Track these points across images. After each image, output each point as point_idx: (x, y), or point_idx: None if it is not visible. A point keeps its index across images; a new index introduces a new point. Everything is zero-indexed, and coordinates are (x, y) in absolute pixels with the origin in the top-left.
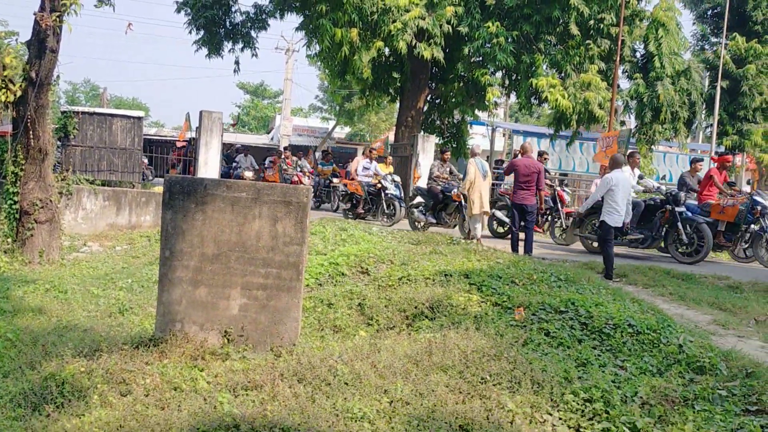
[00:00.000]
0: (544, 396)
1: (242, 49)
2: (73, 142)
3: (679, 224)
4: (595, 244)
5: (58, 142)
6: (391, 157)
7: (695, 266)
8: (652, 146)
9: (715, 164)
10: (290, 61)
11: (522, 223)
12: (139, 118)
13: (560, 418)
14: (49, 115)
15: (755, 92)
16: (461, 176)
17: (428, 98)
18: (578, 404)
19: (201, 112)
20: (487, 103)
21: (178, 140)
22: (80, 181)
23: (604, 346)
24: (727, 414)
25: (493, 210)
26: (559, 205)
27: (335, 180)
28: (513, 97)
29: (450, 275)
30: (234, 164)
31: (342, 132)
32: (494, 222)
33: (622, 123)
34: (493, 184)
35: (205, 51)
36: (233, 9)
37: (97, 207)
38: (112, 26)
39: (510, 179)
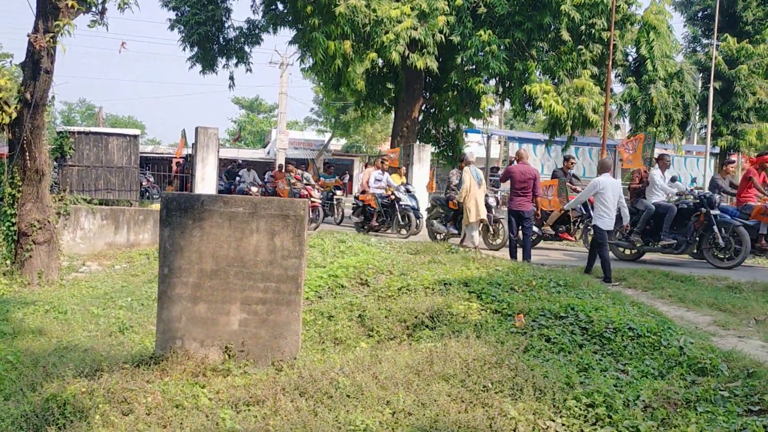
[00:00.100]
0: (547, 402)
1: (236, 65)
2: (70, 162)
3: (715, 227)
4: (624, 251)
5: (55, 163)
6: (404, 168)
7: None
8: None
9: (754, 165)
10: (284, 74)
11: (520, 230)
12: (135, 137)
13: (563, 424)
14: (45, 136)
15: (748, 92)
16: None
17: (423, 108)
18: (581, 409)
19: (197, 129)
20: (481, 111)
21: (175, 157)
22: (78, 200)
23: (605, 350)
24: (729, 415)
25: None
26: (591, 211)
27: (338, 192)
28: (507, 105)
29: (449, 284)
30: (237, 179)
31: (338, 144)
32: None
33: (617, 127)
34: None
35: (199, 67)
36: (226, 25)
37: (95, 226)
38: (106, 45)
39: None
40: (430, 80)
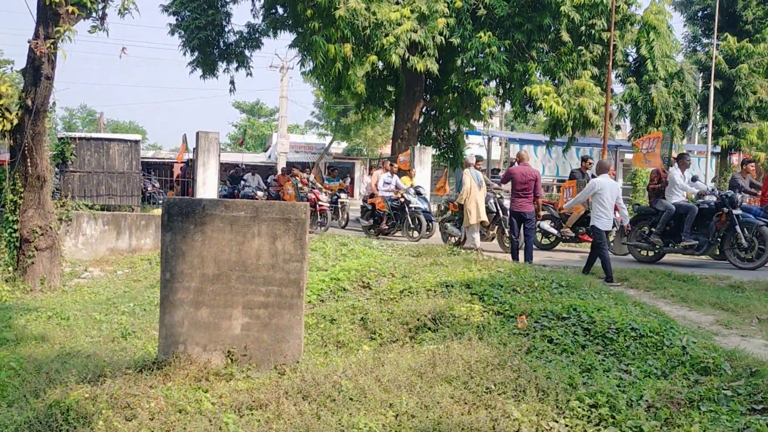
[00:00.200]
0: (550, 403)
1: (237, 69)
2: (71, 167)
3: (737, 227)
4: (644, 252)
5: (56, 169)
6: (415, 170)
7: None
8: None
9: None
10: (285, 78)
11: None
12: (136, 142)
13: (566, 425)
14: (46, 142)
15: (749, 91)
16: (497, 185)
17: (423, 110)
18: (584, 410)
19: (198, 133)
20: (482, 113)
21: (176, 161)
22: (79, 206)
23: (608, 350)
24: (733, 414)
25: (539, 222)
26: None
27: (343, 195)
28: (508, 106)
29: (451, 286)
30: (242, 183)
31: (339, 147)
32: (539, 233)
33: (618, 127)
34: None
35: (199, 72)
36: (226, 29)
37: (97, 232)
38: (107, 51)
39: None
40: (431, 82)
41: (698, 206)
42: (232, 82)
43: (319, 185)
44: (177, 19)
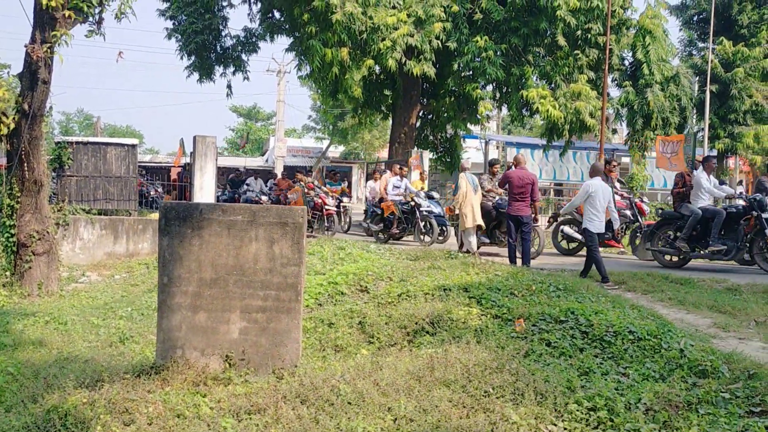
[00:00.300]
0: (548, 407)
1: (234, 73)
2: (68, 172)
3: (767, 231)
4: (669, 258)
5: (53, 173)
6: (426, 173)
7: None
8: (645, 152)
9: None
10: (282, 82)
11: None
12: (134, 146)
13: (565, 428)
14: (43, 147)
15: (744, 95)
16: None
17: (420, 114)
18: (582, 413)
19: (195, 137)
20: (479, 117)
21: (173, 166)
22: (76, 211)
23: (606, 353)
24: (731, 416)
25: (562, 227)
26: (639, 217)
27: (345, 199)
28: (504, 110)
29: (449, 289)
30: (245, 187)
31: (336, 151)
32: (562, 238)
33: (614, 131)
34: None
35: (196, 76)
36: (223, 33)
37: (94, 236)
38: (104, 55)
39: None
40: (428, 86)
41: (725, 210)
42: (229, 86)
43: (326, 189)
44: (174, 24)
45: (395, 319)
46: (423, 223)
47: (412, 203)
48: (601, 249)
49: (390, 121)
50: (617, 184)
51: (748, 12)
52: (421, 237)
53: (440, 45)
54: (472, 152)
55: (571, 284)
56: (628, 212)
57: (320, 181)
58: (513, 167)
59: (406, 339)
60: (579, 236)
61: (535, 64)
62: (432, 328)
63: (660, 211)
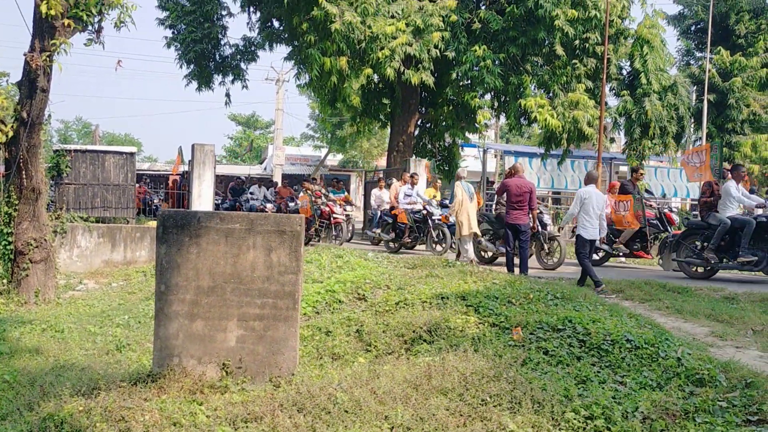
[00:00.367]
0: (545, 415)
1: (232, 82)
2: (67, 180)
3: None
4: (696, 269)
5: (52, 181)
6: (440, 181)
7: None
8: (643, 161)
9: None
10: (281, 91)
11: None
12: (132, 154)
13: None
14: (41, 155)
15: (742, 104)
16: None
17: (419, 123)
18: (579, 422)
19: (193, 146)
20: (477, 126)
21: (171, 174)
22: (74, 218)
23: (603, 362)
24: (728, 425)
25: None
26: (668, 227)
27: (348, 208)
28: (503, 119)
29: (447, 298)
30: (249, 195)
31: (335, 159)
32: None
33: (612, 140)
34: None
35: (195, 84)
36: (222, 42)
37: (91, 244)
38: (103, 64)
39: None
40: (426, 95)
41: (756, 220)
42: (227, 95)
43: (333, 198)
44: (173, 32)
45: (392, 328)
46: (436, 232)
47: (425, 212)
48: (631, 260)
49: (388, 130)
50: (644, 193)
51: (746, 22)
52: (434, 246)
53: (439, 54)
54: (470, 161)
55: (568, 293)
56: (658, 222)
57: (324, 188)
58: (511, 176)
59: (403, 347)
60: (606, 247)
61: (533, 74)
62: (429, 337)
63: (686, 220)
